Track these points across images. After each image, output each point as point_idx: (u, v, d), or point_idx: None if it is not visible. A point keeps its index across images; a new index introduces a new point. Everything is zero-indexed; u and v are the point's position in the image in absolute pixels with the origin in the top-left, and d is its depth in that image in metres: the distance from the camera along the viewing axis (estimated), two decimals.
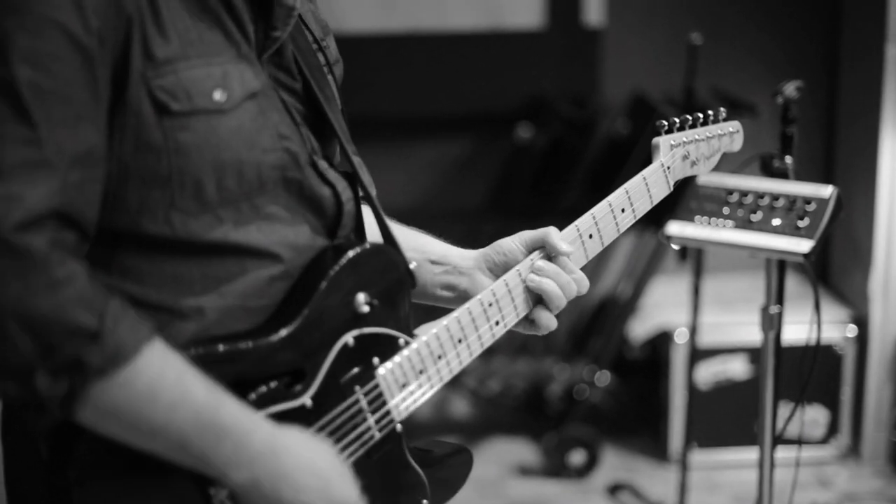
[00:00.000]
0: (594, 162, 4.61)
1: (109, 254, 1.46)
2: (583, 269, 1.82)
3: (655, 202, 1.93)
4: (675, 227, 2.67)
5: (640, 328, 4.44)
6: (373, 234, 1.70)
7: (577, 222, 1.81)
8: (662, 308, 4.46)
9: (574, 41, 4.84)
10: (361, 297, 1.56)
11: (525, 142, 4.77)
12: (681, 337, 4.20)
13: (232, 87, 1.47)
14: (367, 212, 1.72)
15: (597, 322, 4.60)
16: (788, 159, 2.66)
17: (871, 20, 4.22)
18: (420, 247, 1.83)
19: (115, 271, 1.46)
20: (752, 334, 3.32)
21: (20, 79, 1.34)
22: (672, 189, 1.94)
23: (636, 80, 4.66)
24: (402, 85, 4.85)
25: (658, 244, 4.15)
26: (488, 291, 1.71)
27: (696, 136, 2.01)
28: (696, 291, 3.65)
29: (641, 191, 1.90)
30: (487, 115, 4.86)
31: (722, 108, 2.09)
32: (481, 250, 1.81)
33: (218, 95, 1.46)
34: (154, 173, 1.43)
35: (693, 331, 3.70)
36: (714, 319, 4.26)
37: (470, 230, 4.59)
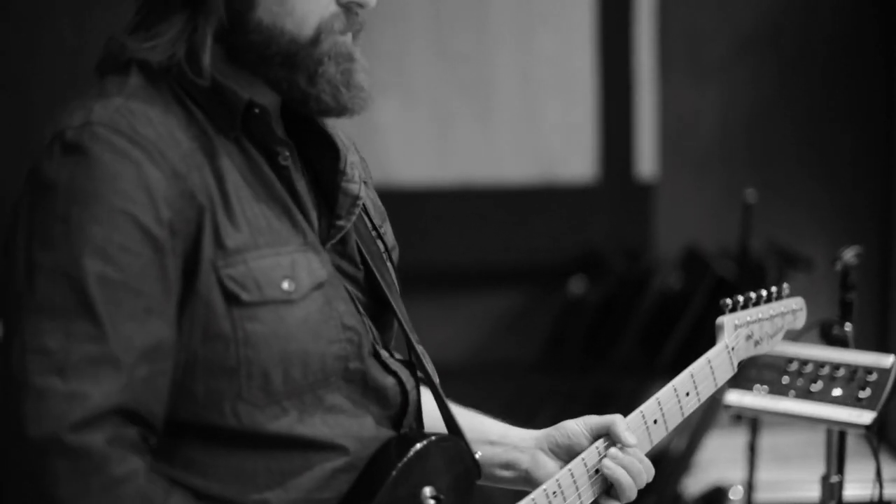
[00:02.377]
0: (647, 317, 4.58)
1: (173, 445, 1.43)
2: None
3: (720, 384, 1.91)
4: (734, 396, 2.62)
5: (695, 485, 4.36)
6: (430, 417, 1.67)
7: (642, 408, 1.77)
8: (717, 464, 4.38)
9: (627, 195, 4.86)
10: (427, 490, 1.52)
11: (577, 296, 4.75)
12: (736, 494, 4.11)
13: (300, 277, 1.46)
14: (425, 394, 1.69)
15: (652, 480, 4.52)
16: (848, 327, 2.62)
17: None
18: (478, 427, 1.79)
19: (178, 464, 1.43)
20: (811, 491, 3.24)
21: (89, 272, 1.33)
22: (736, 370, 1.92)
23: (690, 234, 4.65)
24: (455, 237, 4.87)
25: (712, 399, 4.08)
26: (553, 481, 1.66)
27: (760, 315, 1.99)
28: (753, 449, 3.58)
29: (706, 374, 1.88)
30: (540, 268, 4.85)
31: (785, 285, 2.07)
32: (544, 430, 1.75)
33: (286, 285, 1.44)
34: (222, 363, 1.41)
35: (749, 488, 3.62)
36: (771, 476, 4.17)
37: (522, 385, 4.57)
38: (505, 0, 4.77)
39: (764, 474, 4.03)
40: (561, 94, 4.82)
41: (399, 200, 4.84)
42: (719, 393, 2.72)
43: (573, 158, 4.85)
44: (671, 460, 4.47)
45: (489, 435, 1.78)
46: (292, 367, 1.44)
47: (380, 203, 1.76)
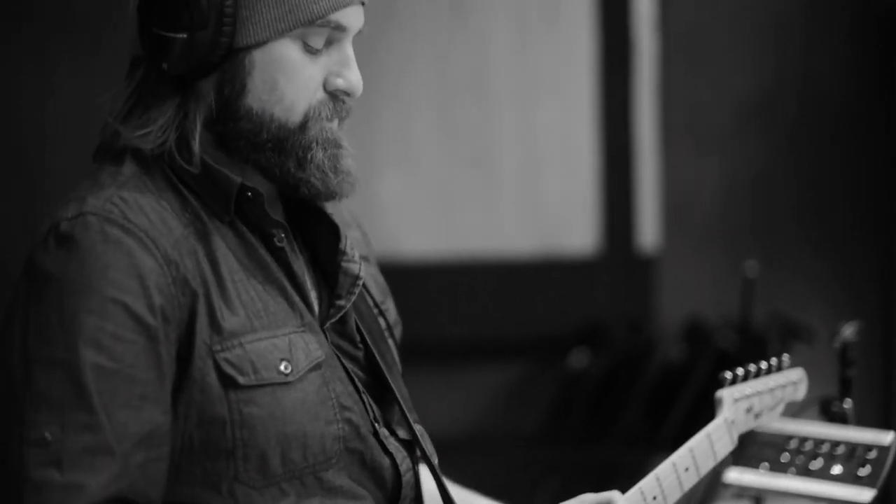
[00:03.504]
0: (650, 389, 4.57)
1: None
2: None
3: (720, 458, 1.92)
4: (734, 474, 2.62)
5: None
6: (430, 497, 1.67)
7: (640, 484, 1.77)
8: None
9: (629, 267, 4.87)
10: None
11: (580, 368, 4.75)
12: None
13: (297, 359, 1.47)
14: (425, 473, 1.69)
15: None
16: (848, 403, 2.62)
17: None
18: None
19: None
20: None
21: (84, 362, 1.35)
22: (736, 444, 1.93)
23: (692, 305, 4.66)
24: (457, 310, 4.87)
25: (714, 472, 4.07)
26: None
27: (760, 388, 2.01)
28: None
29: (705, 448, 1.88)
30: (542, 340, 4.85)
31: (785, 356, 2.08)
32: None
33: (283, 367, 1.45)
34: (218, 446, 1.42)
35: None
36: None
37: (524, 457, 4.56)
38: (506, 73, 4.81)
39: None
40: (562, 167, 4.85)
41: (402, 274, 4.86)
42: (721, 467, 2.72)
43: (575, 230, 4.87)
44: None
45: None
46: (291, 449, 1.45)
47: (381, 279, 1.77)
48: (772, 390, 2.02)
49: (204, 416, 1.42)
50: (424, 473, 1.68)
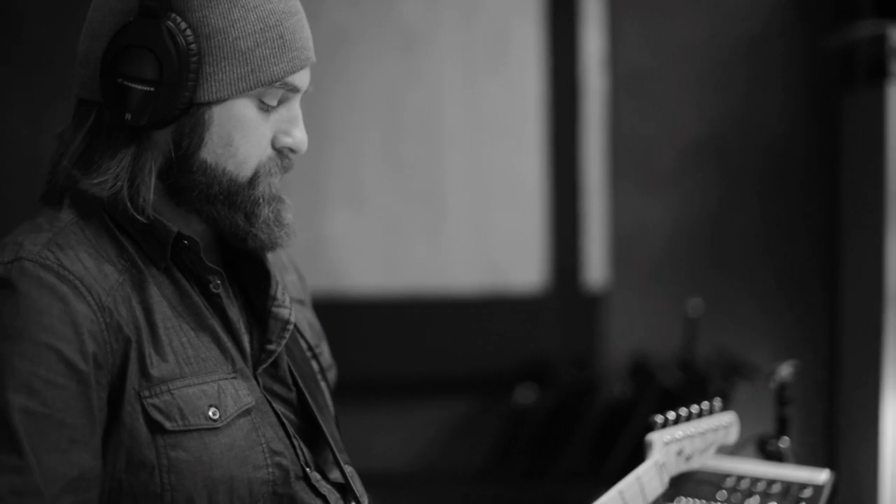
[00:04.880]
0: (595, 427, 4.59)
1: None
2: None
3: (650, 501, 1.93)
4: None
5: None
6: None
7: None
8: None
9: (575, 304, 4.89)
10: None
11: (526, 404, 4.77)
12: None
13: (226, 405, 1.49)
14: None
15: None
16: (785, 442, 2.65)
17: (870, 285, 4.27)
18: None
19: None
20: None
21: (14, 406, 1.37)
22: (667, 487, 1.94)
23: (638, 343, 4.69)
24: (403, 346, 4.88)
25: None
26: None
27: (691, 432, 2.03)
28: None
29: (635, 491, 1.90)
30: (488, 377, 4.86)
31: (717, 399, 2.11)
32: None
33: (212, 413, 1.48)
34: (147, 489, 1.44)
35: None
36: None
37: (469, 494, 4.56)
38: (455, 111, 4.84)
39: None
40: (510, 204, 4.87)
41: (349, 309, 4.88)
42: None
43: (522, 267, 4.89)
44: None
45: None
46: (217, 493, 1.46)
47: (317, 323, 1.80)
48: (703, 434, 2.04)
49: (132, 461, 1.43)
50: None
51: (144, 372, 1.45)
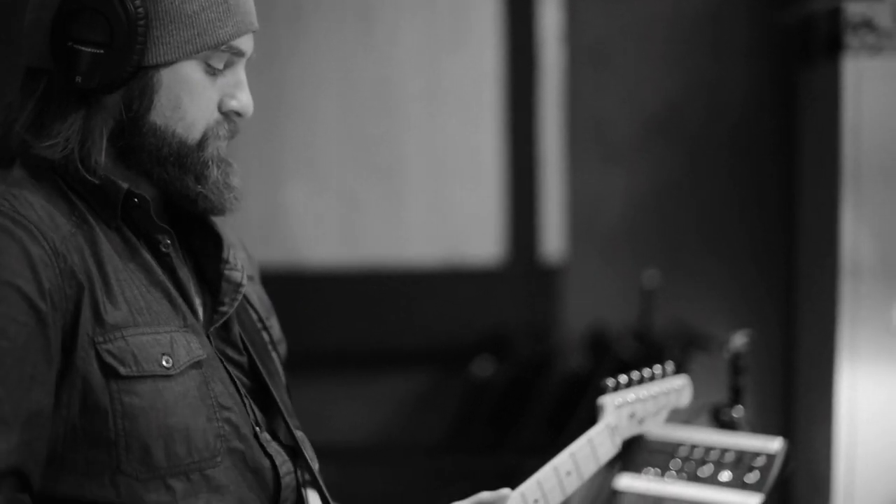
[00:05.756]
0: (552, 398, 4.61)
1: None
2: None
3: (603, 463, 1.95)
4: (624, 481, 2.66)
5: None
6: None
7: (522, 488, 1.81)
8: None
9: (533, 277, 4.91)
10: None
11: (484, 377, 4.78)
12: None
13: (178, 354, 1.52)
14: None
15: None
16: (738, 411, 2.68)
17: (825, 253, 4.30)
18: None
19: None
20: None
21: None
22: (619, 449, 1.96)
23: (596, 315, 4.71)
24: (362, 319, 4.88)
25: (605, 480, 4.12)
26: None
27: (642, 395, 2.04)
28: None
29: (587, 453, 1.91)
30: (446, 350, 4.88)
31: (669, 363, 2.12)
32: None
33: (164, 361, 1.51)
34: (100, 435, 1.46)
35: None
36: None
37: (427, 466, 4.58)
38: (414, 84, 4.84)
39: None
40: (468, 177, 4.88)
41: (307, 282, 4.88)
42: (612, 475, 2.76)
43: (480, 240, 4.90)
44: None
45: None
46: (174, 443, 1.49)
47: (266, 298, 1.84)
48: (655, 397, 2.06)
49: (87, 406, 1.46)
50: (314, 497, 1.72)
51: (98, 318, 1.48)
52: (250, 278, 1.78)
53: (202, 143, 1.59)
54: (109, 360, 1.47)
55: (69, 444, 1.46)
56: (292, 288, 4.64)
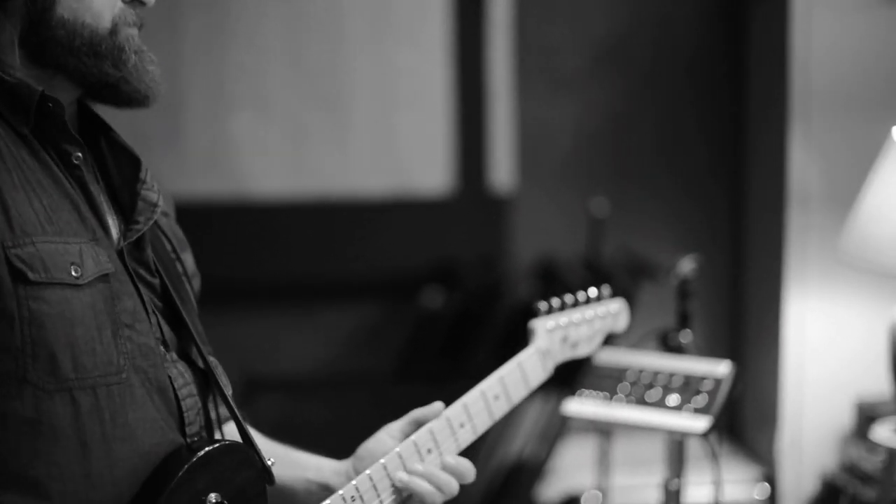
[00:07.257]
0: (501, 327, 4.62)
1: None
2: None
3: (533, 387, 1.92)
4: (572, 406, 2.67)
5: (551, 491, 4.41)
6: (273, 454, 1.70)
7: (447, 412, 1.80)
8: (572, 471, 4.43)
9: (482, 206, 4.90)
10: (213, 497, 1.53)
11: (433, 307, 4.78)
12: (590, 501, 4.16)
13: (87, 265, 1.50)
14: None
15: (507, 488, 4.56)
16: (686, 336, 2.69)
17: (773, 183, 4.32)
18: (293, 462, 1.83)
19: None
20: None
21: None
22: (551, 374, 1.94)
23: (545, 245, 4.71)
24: (310, 250, 4.86)
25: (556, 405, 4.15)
26: (351, 485, 1.69)
27: (576, 319, 2.02)
28: (605, 454, 3.64)
29: (516, 377, 1.89)
30: (396, 280, 4.87)
31: (605, 287, 2.10)
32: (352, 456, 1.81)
33: (73, 271, 1.48)
34: (7, 343, 1.44)
35: (603, 494, 3.68)
36: (625, 482, 4.24)
37: (378, 396, 4.57)
38: (360, 13, 4.79)
39: (619, 479, 4.10)
40: (416, 107, 4.84)
41: (254, 213, 4.85)
42: (560, 399, 2.77)
43: (429, 171, 4.87)
44: (527, 468, 4.51)
45: (306, 471, 1.83)
46: (81, 354, 1.47)
47: (182, 235, 1.85)
48: (589, 321, 2.03)
49: None
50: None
51: (8, 223, 1.46)
52: (165, 214, 1.78)
53: (114, 30, 1.58)
54: (18, 264, 1.44)
55: None
56: (239, 219, 4.60)
